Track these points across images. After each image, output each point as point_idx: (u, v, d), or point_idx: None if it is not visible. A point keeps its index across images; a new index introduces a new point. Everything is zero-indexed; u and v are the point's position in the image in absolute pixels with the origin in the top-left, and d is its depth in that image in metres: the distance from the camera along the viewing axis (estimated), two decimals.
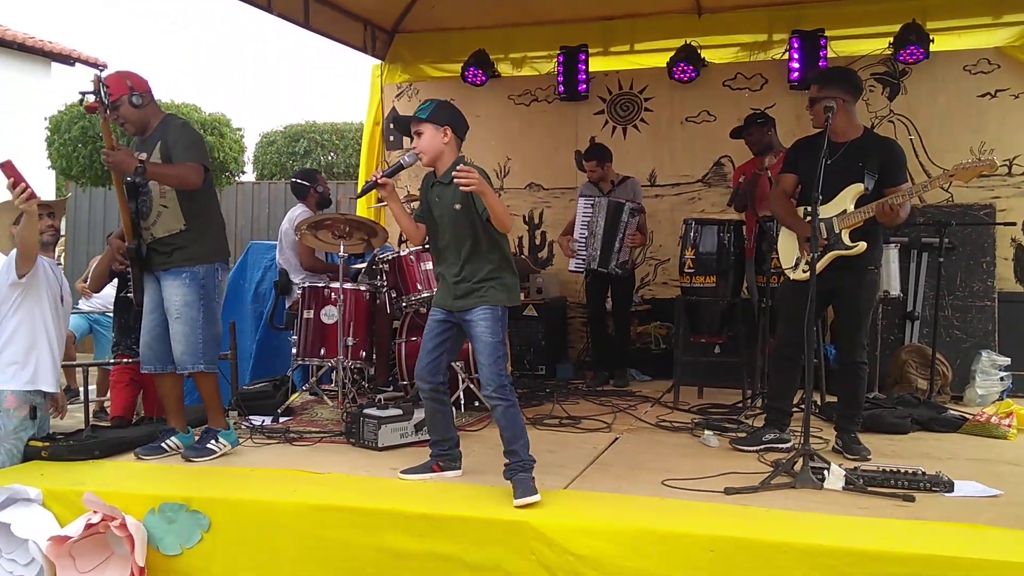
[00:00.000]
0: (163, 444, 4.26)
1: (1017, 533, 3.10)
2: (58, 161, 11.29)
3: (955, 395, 5.99)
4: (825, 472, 3.68)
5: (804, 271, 4.20)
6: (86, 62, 16.08)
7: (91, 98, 4.05)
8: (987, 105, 6.63)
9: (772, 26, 7.22)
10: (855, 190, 4.20)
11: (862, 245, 4.18)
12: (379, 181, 3.65)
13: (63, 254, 13.15)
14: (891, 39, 6.70)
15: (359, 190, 3.84)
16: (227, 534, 3.44)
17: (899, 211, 4.11)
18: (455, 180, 3.48)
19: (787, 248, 4.46)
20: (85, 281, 8.48)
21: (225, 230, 4.49)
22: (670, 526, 3.12)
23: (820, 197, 3.94)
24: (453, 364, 5.31)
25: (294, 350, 5.49)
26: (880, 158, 4.22)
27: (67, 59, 15.78)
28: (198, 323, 4.21)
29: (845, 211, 4.21)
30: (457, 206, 3.66)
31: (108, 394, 6.82)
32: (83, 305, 8.42)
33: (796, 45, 6.85)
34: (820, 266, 4.14)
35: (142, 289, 4.35)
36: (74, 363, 6.82)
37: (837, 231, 4.21)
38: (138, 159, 4.07)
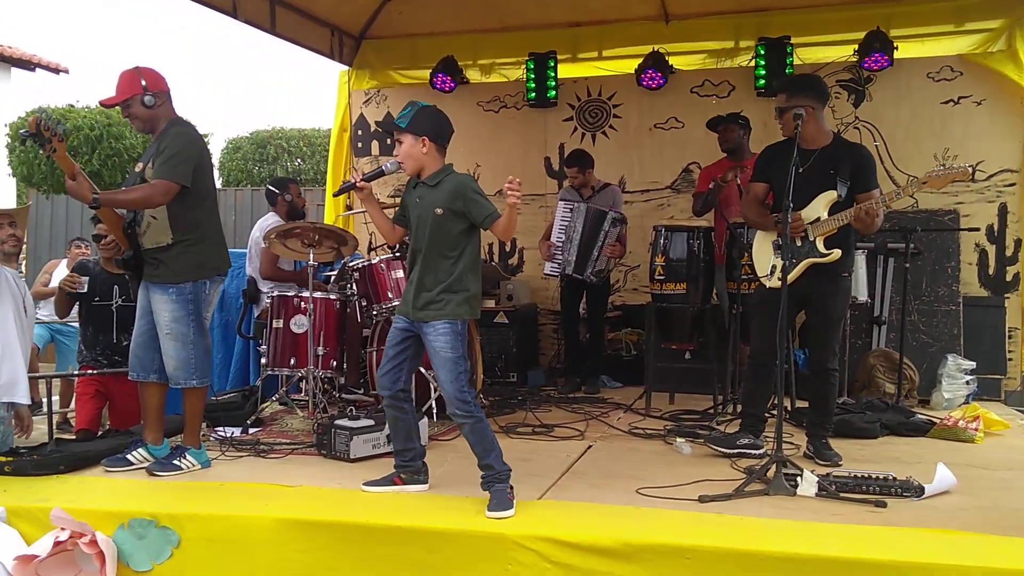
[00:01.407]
0: (129, 456, 4.17)
1: (987, 538, 3.15)
2: (19, 168, 11.16)
3: (922, 399, 6.07)
4: (798, 478, 3.71)
5: (780, 278, 4.22)
6: (47, 67, 15.84)
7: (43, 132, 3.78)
8: (950, 112, 6.74)
9: (739, 33, 7.27)
10: (828, 197, 4.22)
11: (837, 252, 4.21)
12: (358, 184, 3.57)
13: (24, 262, 12.93)
14: (856, 46, 6.79)
15: (335, 191, 3.80)
16: (197, 550, 3.38)
17: (876, 217, 4.11)
18: (508, 191, 3.42)
19: (762, 256, 4.47)
20: (45, 285, 8.34)
21: (221, 242, 4.33)
22: (646, 535, 3.11)
23: (791, 205, 3.97)
24: (424, 372, 5.29)
25: (263, 360, 5.42)
26: (851, 164, 4.25)
27: (27, 64, 15.55)
28: (188, 338, 4.11)
29: (819, 218, 4.23)
30: (439, 210, 3.61)
31: (72, 405, 6.71)
32: (43, 315, 8.27)
33: (762, 52, 6.91)
34: (795, 274, 4.18)
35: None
36: (37, 375, 6.69)
37: (811, 239, 4.23)
38: (94, 191, 3.88)
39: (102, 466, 4.14)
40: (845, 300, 4.44)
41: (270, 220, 6.08)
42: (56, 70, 15.98)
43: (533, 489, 3.76)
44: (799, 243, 4.21)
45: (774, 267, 4.30)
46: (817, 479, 3.68)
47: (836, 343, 4.42)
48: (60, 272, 8.32)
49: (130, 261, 4.16)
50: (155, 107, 4.11)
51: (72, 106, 12.33)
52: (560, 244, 6.38)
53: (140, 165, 4.13)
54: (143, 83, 4.08)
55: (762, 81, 6.97)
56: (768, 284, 4.36)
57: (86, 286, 5.30)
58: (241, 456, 4.48)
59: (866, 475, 3.78)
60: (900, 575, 2.86)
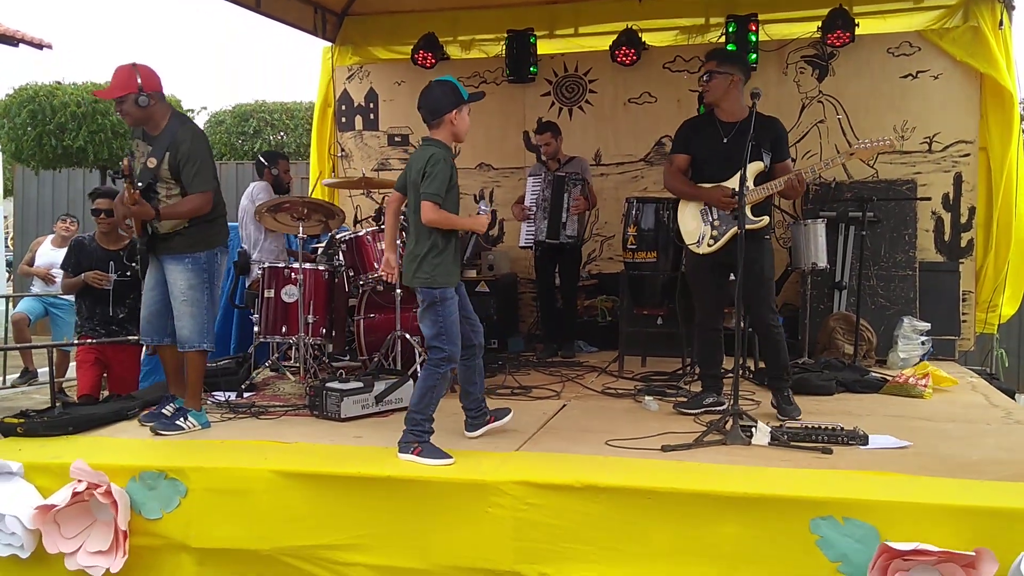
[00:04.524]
0: (163, 410, 4.46)
1: (919, 479, 3.48)
2: (8, 145, 11.29)
3: (880, 359, 6.42)
4: (753, 429, 4.04)
5: (709, 244, 4.56)
6: (30, 43, 15.78)
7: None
8: (909, 86, 7.05)
9: (708, 10, 7.55)
10: (755, 167, 4.54)
11: (766, 219, 4.56)
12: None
13: (8, 236, 13.09)
14: (820, 23, 7.08)
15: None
16: (203, 499, 3.67)
17: (804, 184, 4.53)
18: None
19: (687, 223, 4.72)
20: (30, 264, 8.55)
21: (226, 215, 4.59)
22: (611, 479, 3.43)
23: (747, 175, 4.27)
24: (410, 338, 5.57)
25: (256, 328, 5.70)
26: (771, 136, 4.58)
27: (10, 40, 15.45)
28: (203, 305, 4.39)
29: (748, 187, 4.54)
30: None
31: (67, 375, 6.99)
32: (37, 288, 8.48)
33: (731, 30, 7.19)
34: (724, 240, 4.54)
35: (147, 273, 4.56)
36: (39, 345, 6.96)
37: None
38: (157, 210, 4.23)
39: (139, 421, 4.50)
40: (771, 258, 4.74)
41: (259, 185, 6.37)
42: (40, 45, 15.88)
43: (511, 442, 4.08)
44: (730, 212, 4.53)
45: (702, 235, 4.61)
46: (770, 429, 4.01)
47: (773, 300, 4.74)
48: (44, 250, 8.50)
49: (144, 246, 4.44)
50: (148, 107, 4.27)
51: (59, 83, 12.46)
52: (532, 214, 6.69)
53: (153, 160, 4.30)
54: (139, 82, 4.22)
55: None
56: (698, 251, 4.66)
57: (111, 285, 5.67)
58: (238, 418, 4.76)
59: (817, 426, 4.12)
60: (839, 510, 3.18)
